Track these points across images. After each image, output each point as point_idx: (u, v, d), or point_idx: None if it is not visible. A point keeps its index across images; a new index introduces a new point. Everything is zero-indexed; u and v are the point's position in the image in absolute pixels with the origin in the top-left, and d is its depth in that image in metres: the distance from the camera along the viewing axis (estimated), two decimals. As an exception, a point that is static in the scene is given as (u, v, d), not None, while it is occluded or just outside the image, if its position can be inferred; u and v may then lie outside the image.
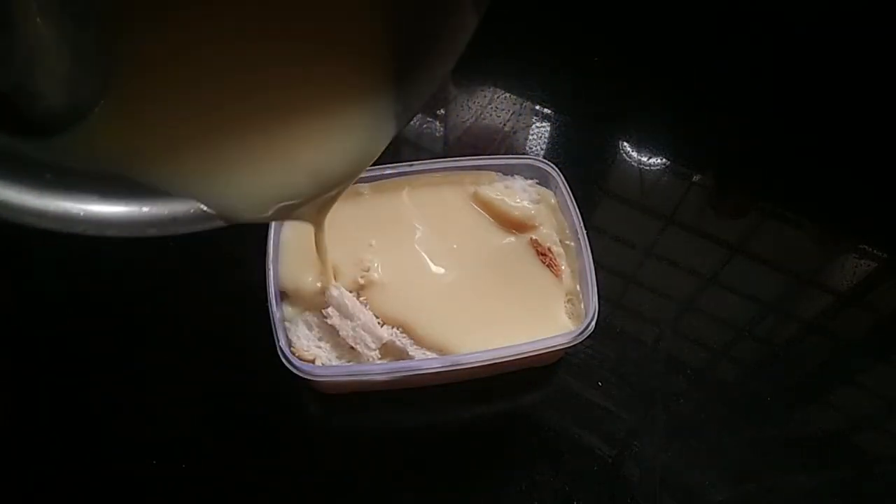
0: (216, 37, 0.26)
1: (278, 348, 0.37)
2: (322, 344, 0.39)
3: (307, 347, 0.39)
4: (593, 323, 0.38)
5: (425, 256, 0.43)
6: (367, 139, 0.29)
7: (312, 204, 0.31)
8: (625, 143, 0.57)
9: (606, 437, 0.42)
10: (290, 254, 0.41)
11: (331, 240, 0.42)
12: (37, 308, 0.46)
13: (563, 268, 0.43)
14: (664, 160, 0.56)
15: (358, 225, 0.43)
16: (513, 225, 0.44)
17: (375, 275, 0.41)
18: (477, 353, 0.37)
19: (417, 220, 0.44)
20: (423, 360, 0.38)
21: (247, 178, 0.28)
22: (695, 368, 0.45)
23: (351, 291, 0.40)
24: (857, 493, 0.41)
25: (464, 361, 0.37)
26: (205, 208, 0.27)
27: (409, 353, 0.39)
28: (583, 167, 0.55)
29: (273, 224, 0.41)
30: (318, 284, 0.40)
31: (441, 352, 0.39)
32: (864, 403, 0.45)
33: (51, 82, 0.23)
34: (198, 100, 0.27)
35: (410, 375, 0.37)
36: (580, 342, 0.38)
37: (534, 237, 0.44)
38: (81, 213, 0.24)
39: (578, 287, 0.42)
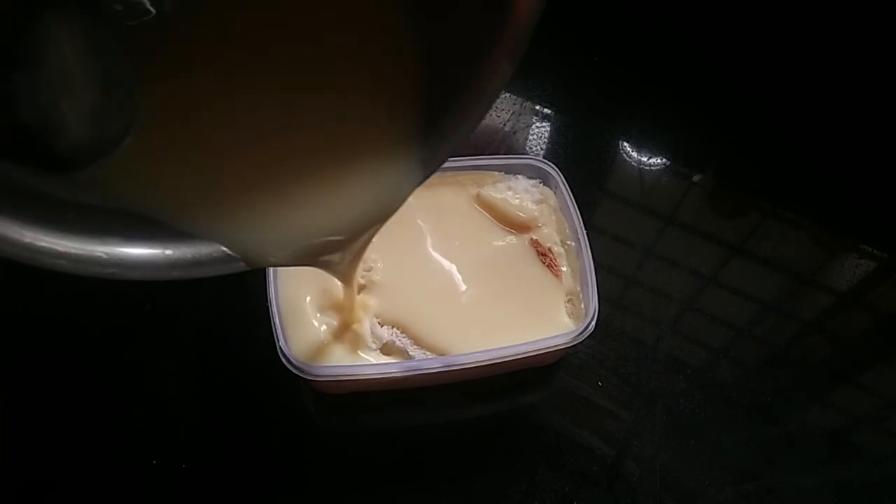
0: (245, 85, 0.26)
1: (278, 348, 0.37)
2: (322, 343, 0.39)
3: (307, 347, 0.39)
4: (593, 323, 0.38)
5: (426, 257, 0.43)
6: (393, 186, 0.29)
7: (339, 254, 0.32)
8: (625, 143, 0.57)
9: (606, 437, 0.42)
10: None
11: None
12: (36, 308, 0.46)
13: (563, 269, 0.43)
14: (664, 160, 0.56)
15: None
16: (515, 225, 0.44)
17: (377, 276, 0.41)
18: (477, 353, 0.37)
19: (419, 221, 0.44)
20: (423, 360, 0.38)
21: (271, 225, 0.28)
22: (695, 368, 0.45)
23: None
24: (857, 493, 0.41)
25: (464, 361, 0.37)
26: (228, 252, 0.27)
27: (410, 353, 0.39)
28: (583, 167, 0.55)
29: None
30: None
31: (441, 352, 0.39)
32: (864, 403, 0.45)
33: (77, 116, 0.23)
34: (224, 144, 0.27)
35: (410, 375, 0.37)
36: (580, 342, 0.38)
37: (534, 237, 0.44)
38: (105, 256, 0.24)
39: (578, 287, 0.42)
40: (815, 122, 0.59)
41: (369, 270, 0.41)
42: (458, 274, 0.42)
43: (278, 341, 0.37)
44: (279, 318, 0.38)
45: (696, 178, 0.56)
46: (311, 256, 0.30)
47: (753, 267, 0.51)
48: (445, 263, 0.42)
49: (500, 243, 0.44)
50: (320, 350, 0.39)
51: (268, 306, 0.38)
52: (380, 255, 0.42)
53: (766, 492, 0.41)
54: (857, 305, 0.50)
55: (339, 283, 0.37)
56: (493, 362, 0.37)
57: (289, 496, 0.39)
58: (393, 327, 0.40)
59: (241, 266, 0.28)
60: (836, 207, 0.55)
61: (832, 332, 0.49)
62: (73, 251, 0.24)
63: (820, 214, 0.54)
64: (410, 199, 0.46)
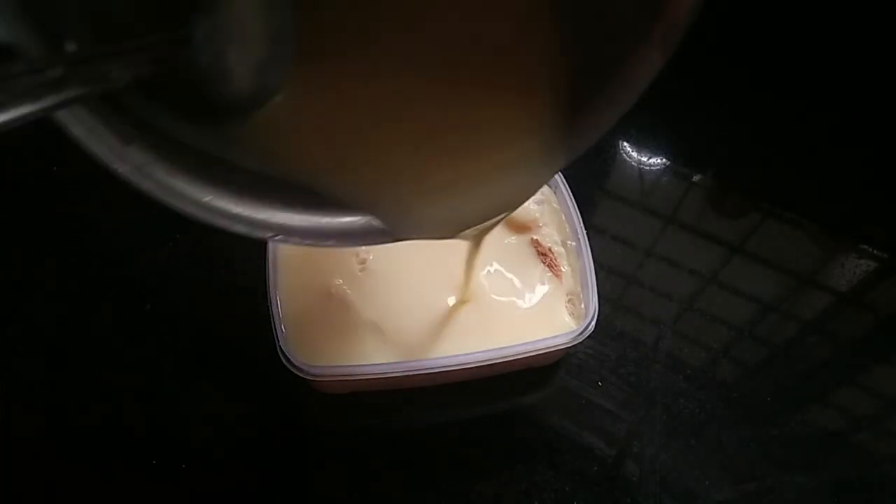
0: (402, 63, 0.27)
1: (278, 348, 0.37)
2: (322, 343, 0.39)
3: (307, 347, 0.39)
4: (593, 323, 0.38)
5: (426, 255, 0.43)
6: (540, 171, 0.30)
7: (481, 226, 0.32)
8: (625, 143, 0.57)
9: (606, 437, 0.42)
10: (291, 254, 0.41)
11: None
12: (36, 308, 0.46)
13: (563, 269, 0.43)
14: (664, 160, 0.56)
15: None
16: (515, 225, 0.44)
17: (372, 274, 0.41)
18: (477, 353, 0.37)
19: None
20: (423, 361, 0.38)
21: (424, 199, 0.29)
22: (695, 368, 0.45)
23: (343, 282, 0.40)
24: (857, 493, 0.41)
25: (464, 361, 0.37)
26: (377, 223, 0.28)
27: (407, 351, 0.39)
28: (583, 167, 0.55)
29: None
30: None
31: (440, 352, 0.39)
32: (864, 403, 0.45)
33: (241, 67, 0.24)
34: (380, 111, 0.27)
35: (411, 375, 0.37)
36: (580, 342, 0.38)
37: (535, 237, 0.44)
38: (269, 219, 0.26)
39: (578, 287, 0.42)
40: (815, 122, 0.59)
41: (364, 262, 0.41)
42: (456, 272, 0.42)
43: (278, 341, 0.37)
44: (279, 318, 0.38)
45: (696, 178, 0.56)
46: (459, 232, 0.32)
47: (753, 267, 0.51)
48: (445, 262, 0.42)
49: (501, 243, 0.44)
50: (320, 350, 0.39)
51: (268, 306, 0.38)
52: (378, 252, 0.42)
53: (766, 492, 0.41)
54: (857, 305, 0.50)
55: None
56: (493, 362, 0.37)
57: (289, 496, 0.39)
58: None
59: (386, 240, 0.29)
60: (836, 207, 0.55)
61: (832, 332, 0.49)
62: (241, 213, 0.26)
63: (820, 214, 0.54)
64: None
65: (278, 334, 0.37)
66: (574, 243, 0.43)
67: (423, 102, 0.28)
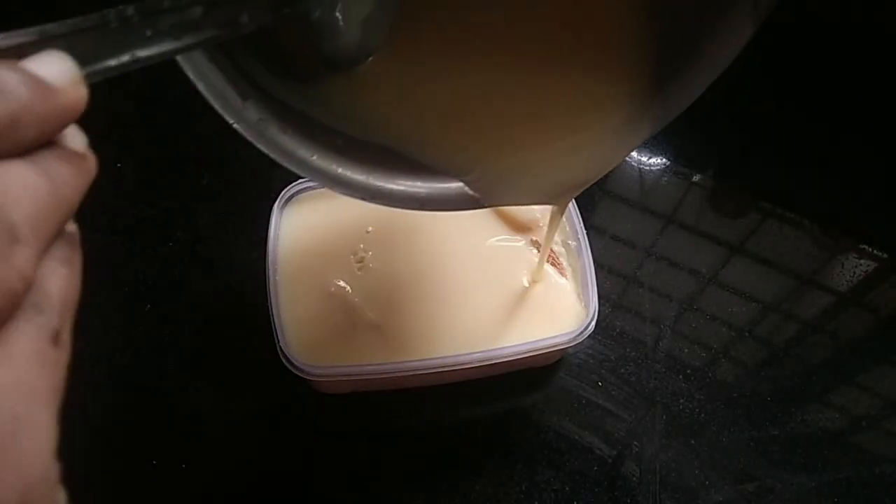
0: (494, 32, 0.28)
1: (278, 348, 0.37)
2: (322, 343, 0.39)
3: (307, 347, 0.39)
4: (593, 323, 0.38)
5: (426, 254, 0.43)
6: (627, 140, 0.30)
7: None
8: (625, 143, 0.57)
9: (606, 437, 0.42)
10: (291, 253, 0.41)
11: (328, 234, 0.43)
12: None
13: (566, 266, 0.43)
14: (664, 160, 0.56)
15: (358, 219, 0.43)
16: (516, 225, 0.44)
17: (372, 274, 0.41)
18: (477, 352, 0.37)
19: (420, 217, 0.44)
20: (423, 360, 0.38)
21: (516, 167, 0.30)
22: (695, 368, 0.45)
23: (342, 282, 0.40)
24: (857, 493, 0.41)
25: (464, 361, 0.37)
26: (467, 189, 0.29)
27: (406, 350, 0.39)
28: (583, 167, 0.55)
29: (273, 223, 0.41)
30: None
31: (439, 352, 0.39)
32: (864, 403, 0.45)
33: (348, 22, 0.26)
34: (478, 81, 0.28)
35: (410, 375, 0.37)
36: (580, 342, 0.38)
37: (535, 238, 0.44)
38: (366, 180, 0.28)
39: (578, 287, 0.42)
40: (815, 121, 0.59)
41: (361, 262, 0.41)
42: (458, 272, 0.42)
43: (278, 341, 0.37)
44: (279, 318, 0.38)
45: (696, 178, 0.56)
46: (549, 200, 0.33)
47: (753, 267, 0.51)
48: (445, 261, 0.42)
49: (502, 242, 0.44)
50: (320, 350, 0.39)
51: (268, 306, 0.38)
52: (376, 252, 0.42)
53: (766, 492, 0.41)
54: (857, 305, 0.50)
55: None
56: (492, 362, 0.37)
57: (289, 496, 0.39)
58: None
59: (478, 206, 0.30)
60: (836, 207, 0.55)
61: (832, 332, 0.49)
62: (341, 174, 0.27)
63: (820, 214, 0.54)
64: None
65: (278, 334, 0.37)
66: (574, 243, 0.43)
67: (520, 74, 0.28)
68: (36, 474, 0.13)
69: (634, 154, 0.57)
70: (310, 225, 0.43)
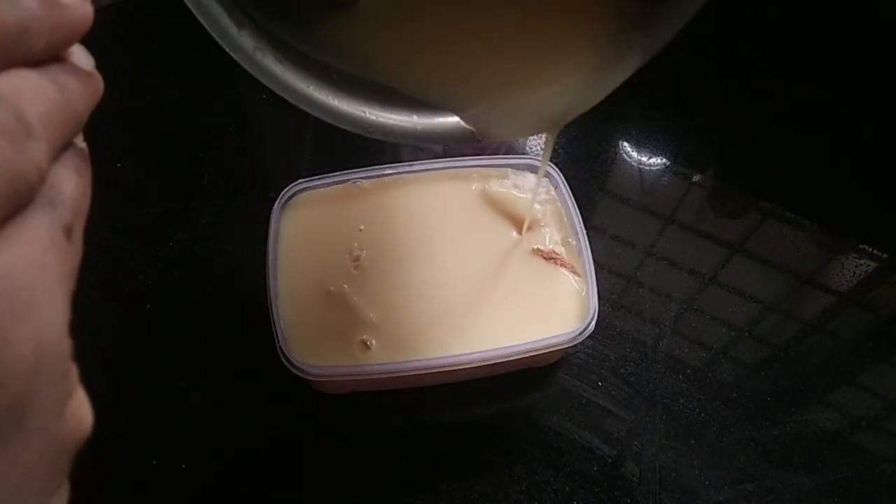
0: None
1: (278, 348, 0.37)
2: (322, 343, 0.39)
3: (307, 347, 0.39)
4: (593, 323, 0.38)
5: (426, 251, 0.43)
6: (618, 68, 0.30)
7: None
8: (625, 143, 0.57)
9: (606, 437, 0.42)
10: (291, 253, 0.41)
11: (326, 233, 0.43)
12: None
13: (571, 265, 0.42)
14: (664, 160, 0.56)
15: (356, 218, 0.44)
16: (518, 224, 0.44)
17: (372, 270, 0.41)
18: (477, 352, 0.37)
19: (422, 214, 0.44)
20: (423, 360, 0.38)
21: (511, 101, 0.30)
22: (695, 368, 0.45)
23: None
24: (857, 493, 0.41)
25: (463, 361, 0.37)
26: (465, 125, 0.29)
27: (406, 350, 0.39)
28: (583, 167, 0.55)
29: (273, 224, 0.41)
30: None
31: (440, 351, 0.39)
32: (864, 403, 0.45)
33: None
34: (468, 14, 0.28)
35: (410, 375, 0.37)
36: (580, 342, 0.38)
37: (535, 247, 0.43)
38: (362, 114, 0.28)
39: (579, 287, 0.42)
40: (815, 121, 0.59)
41: (357, 261, 0.41)
42: (458, 270, 0.42)
43: (278, 341, 0.37)
44: (279, 319, 0.38)
45: (696, 178, 0.56)
46: (545, 130, 0.33)
47: (753, 267, 0.51)
48: (444, 261, 0.42)
49: (503, 241, 0.44)
50: (320, 350, 0.39)
51: (268, 306, 0.38)
52: (370, 251, 0.42)
53: (766, 492, 0.41)
54: (857, 305, 0.50)
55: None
56: (492, 362, 0.37)
57: (289, 496, 0.39)
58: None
59: (473, 141, 0.31)
60: (836, 207, 0.55)
61: (832, 332, 0.49)
62: (338, 108, 0.28)
63: (820, 214, 0.54)
64: (414, 195, 0.46)
65: (278, 334, 0.37)
66: (574, 242, 0.43)
67: (510, 8, 0.28)
68: (50, 338, 0.14)
69: (634, 154, 0.57)
70: (310, 225, 0.43)
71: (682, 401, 0.43)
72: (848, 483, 0.41)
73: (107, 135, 0.54)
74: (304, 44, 0.27)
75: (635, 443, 0.42)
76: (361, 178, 0.45)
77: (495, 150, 0.55)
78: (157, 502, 0.39)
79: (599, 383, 0.44)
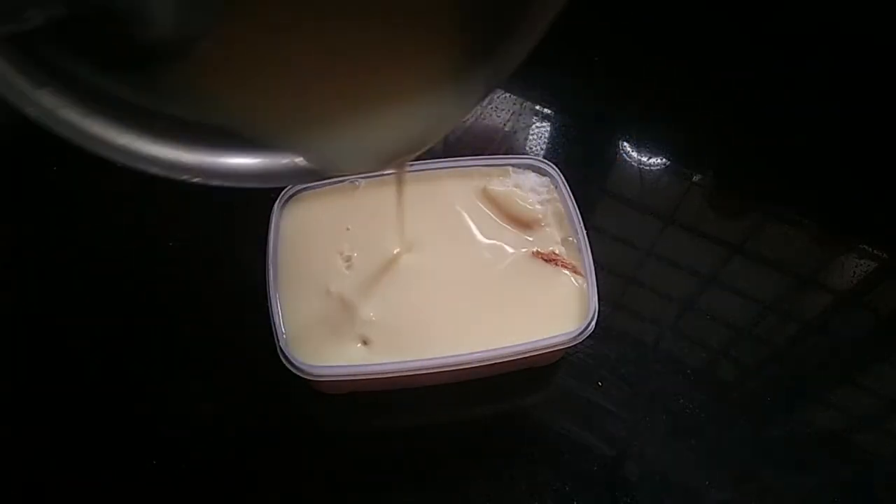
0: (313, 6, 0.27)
1: (278, 348, 0.37)
2: (322, 343, 0.39)
3: (307, 347, 0.39)
4: (593, 323, 0.38)
5: (424, 252, 0.43)
6: (458, 102, 0.30)
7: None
8: (625, 143, 0.57)
9: (606, 437, 0.42)
10: (291, 253, 0.41)
11: (325, 233, 0.42)
12: (36, 308, 0.46)
13: (565, 270, 0.43)
14: (664, 160, 0.56)
15: (356, 218, 0.44)
16: (518, 223, 0.44)
17: (357, 263, 0.41)
18: (477, 352, 0.37)
19: (421, 214, 0.44)
20: (423, 360, 0.38)
21: (346, 136, 0.29)
22: (695, 368, 0.45)
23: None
24: (857, 493, 0.41)
25: (464, 361, 0.37)
26: (303, 162, 0.28)
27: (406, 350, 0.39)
28: (583, 167, 0.55)
29: (273, 223, 0.41)
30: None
31: (439, 351, 0.39)
32: (864, 403, 0.45)
33: (162, 9, 0.24)
34: (295, 60, 0.27)
35: (411, 375, 0.37)
36: (580, 342, 0.38)
37: (535, 250, 0.43)
38: (191, 161, 0.26)
39: (579, 286, 0.42)
40: (815, 121, 0.59)
41: (349, 261, 0.41)
42: (458, 269, 0.42)
43: (278, 341, 0.37)
44: (279, 318, 0.38)
45: (696, 178, 0.56)
46: (384, 166, 0.32)
47: (753, 267, 0.51)
48: (443, 261, 0.42)
49: (503, 241, 0.44)
50: (320, 350, 0.39)
51: (268, 306, 0.38)
52: (362, 250, 0.42)
53: (766, 492, 0.41)
54: (857, 305, 0.50)
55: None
56: (492, 362, 0.37)
57: (289, 496, 0.39)
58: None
59: (314, 177, 0.30)
60: (836, 207, 0.55)
61: (832, 332, 0.49)
62: (161, 156, 0.26)
63: (820, 214, 0.54)
64: (412, 193, 0.46)
65: (278, 334, 0.37)
66: (574, 241, 0.42)
67: (338, 44, 0.27)
68: None
69: (634, 154, 0.57)
70: (310, 224, 0.43)
71: (682, 401, 0.43)
72: (848, 483, 0.41)
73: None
74: (127, 91, 0.25)
75: (635, 443, 0.42)
76: (361, 177, 0.45)
77: (495, 150, 0.55)
78: (157, 502, 0.39)
79: (599, 383, 0.44)
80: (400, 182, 0.38)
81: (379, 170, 0.32)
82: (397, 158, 0.32)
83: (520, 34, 0.27)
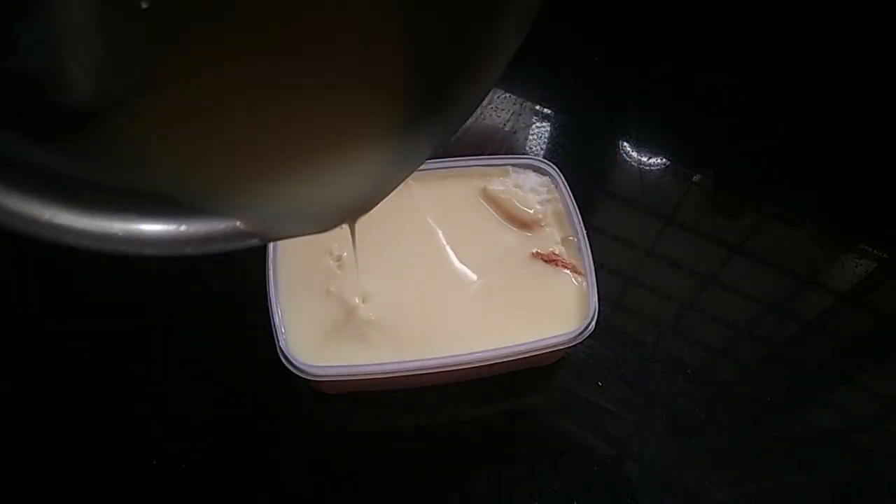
0: (247, 65, 0.26)
1: (278, 348, 0.37)
2: (322, 343, 0.39)
3: (307, 347, 0.39)
4: (593, 323, 0.38)
5: (424, 249, 0.42)
6: (404, 158, 0.29)
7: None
8: (625, 143, 0.57)
9: (606, 437, 0.42)
10: (291, 253, 0.41)
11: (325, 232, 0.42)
12: (36, 308, 0.46)
13: (566, 270, 0.43)
14: (664, 160, 0.56)
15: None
16: (518, 222, 0.44)
17: (348, 262, 0.41)
18: (477, 352, 0.37)
19: (420, 212, 0.44)
20: (423, 360, 0.38)
21: (288, 201, 0.28)
22: (695, 368, 0.45)
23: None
24: (857, 493, 0.41)
25: (464, 361, 0.37)
26: (241, 226, 0.27)
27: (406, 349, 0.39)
28: (583, 167, 0.55)
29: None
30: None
31: (440, 351, 0.39)
32: (864, 403, 0.45)
33: (81, 70, 0.23)
34: (231, 122, 0.26)
35: (411, 375, 0.37)
36: (580, 342, 0.38)
37: (535, 251, 0.43)
38: (121, 233, 0.24)
39: (579, 286, 0.42)
40: (815, 121, 0.59)
41: (339, 260, 0.41)
42: (458, 269, 0.42)
43: (278, 341, 0.37)
44: (279, 318, 0.38)
45: (696, 178, 0.56)
46: (327, 228, 0.30)
47: (753, 267, 0.51)
48: (445, 258, 0.42)
49: (502, 240, 0.44)
50: (320, 350, 0.39)
51: (268, 306, 0.38)
52: (379, 248, 0.42)
53: (766, 492, 0.41)
54: (857, 305, 0.50)
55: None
56: (492, 362, 0.37)
57: (289, 496, 0.39)
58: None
59: (254, 242, 0.28)
60: (836, 207, 0.55)
61: (832, 332, 0.49)
62: (90, 228, 0.24)
63: (820, 214, 0.54)
64: (412, 192, 0.46)
65: (278, 334, 0.37)
66: (574, 240, 0.42)
67: (276, 103, 0.26)
68: None
69: (634, 154, 0.57)
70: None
71: (682, 401, 0.43)
72: (848, 483, 0.41)
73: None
74: (56, 160, 0.23)
75: (635, 443, 0.42)
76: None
77: (495, 150, 0.55)
78: (157, 502, 0.39)
79: (599, 383, 0.44)
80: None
81: (323, 232, 0.31)
82: (340, 221, 0.30)
83: (467, 85, 0.26)
